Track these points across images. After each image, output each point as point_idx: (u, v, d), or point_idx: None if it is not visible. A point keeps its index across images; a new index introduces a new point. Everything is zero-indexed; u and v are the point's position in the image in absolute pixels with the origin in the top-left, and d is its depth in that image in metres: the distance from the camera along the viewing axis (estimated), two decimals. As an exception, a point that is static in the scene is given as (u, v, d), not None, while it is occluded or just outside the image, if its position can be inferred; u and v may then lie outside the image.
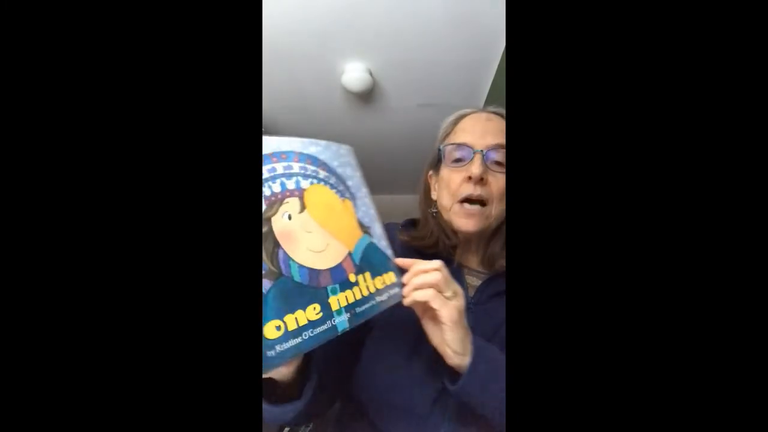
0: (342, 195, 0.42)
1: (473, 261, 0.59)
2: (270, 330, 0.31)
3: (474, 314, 0.53)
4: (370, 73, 1.84)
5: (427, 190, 0.61)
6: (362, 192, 0.45)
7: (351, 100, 2.06)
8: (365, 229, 0.43)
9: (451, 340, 0.40)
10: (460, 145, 0.55)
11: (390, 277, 0.42)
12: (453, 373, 0.43)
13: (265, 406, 0.40)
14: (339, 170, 0.43)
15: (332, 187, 0.41)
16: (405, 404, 0.48)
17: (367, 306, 0.39)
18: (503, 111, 0.58)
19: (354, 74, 1.81)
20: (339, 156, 0.44)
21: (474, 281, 0.57)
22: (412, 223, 0.63)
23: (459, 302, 0.41)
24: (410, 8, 1.44)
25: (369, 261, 0.41)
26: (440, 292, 0.40)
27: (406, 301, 0.41)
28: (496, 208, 0.54)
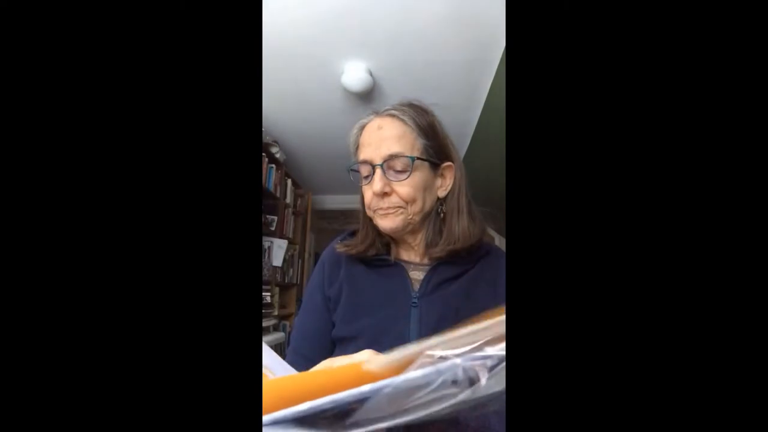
0: None
1: (413, 255, 0.60)
2: None
3: (419, 308, 0.54)
4: (370, 73, 1.84)
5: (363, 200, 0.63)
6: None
7: (351, 100, 2.06)
8: None
9: None
10: (362, 163, 0.56)
11: None
12: None
13: None
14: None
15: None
16: None
17: None
18: (393, 110, 0.57)
19: (354, 74, 1.81)
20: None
21: (418, 275, 0.58)
22: (351, 234, 0.64)
23: None
24: (410, 8, 1.44)
25: None
26: None
27: None
28: (413, 208, 0.55)
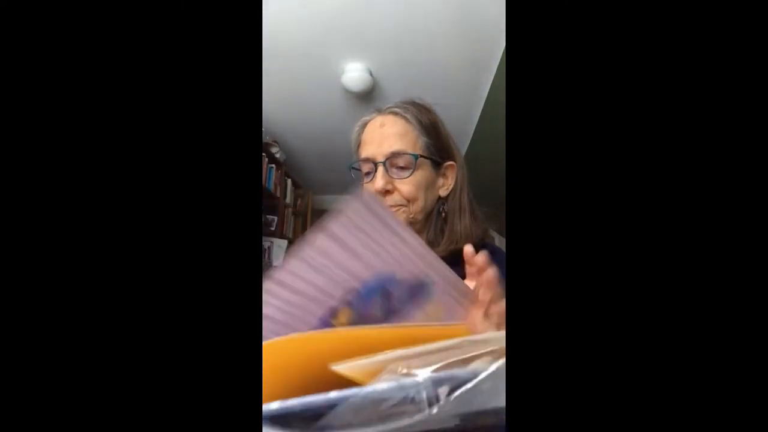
0: None
1: None
2: None
3: None
4: (370, 73, 1.84)
5: None
6: None
7: (351, 100, 2.06)
8: None
9: None
10: (365, 161, 0.56)
11: None
12: None
13: None
14: None
15: None
16: None
17: None
18: (396, 108, 0.57)
19: (354, 74, 1.81)
20: None
21: None
22: None
23: None
24: (410, 8, 1.44)
25: None
26: None
27: None
28: (414, 207, 0.55)
